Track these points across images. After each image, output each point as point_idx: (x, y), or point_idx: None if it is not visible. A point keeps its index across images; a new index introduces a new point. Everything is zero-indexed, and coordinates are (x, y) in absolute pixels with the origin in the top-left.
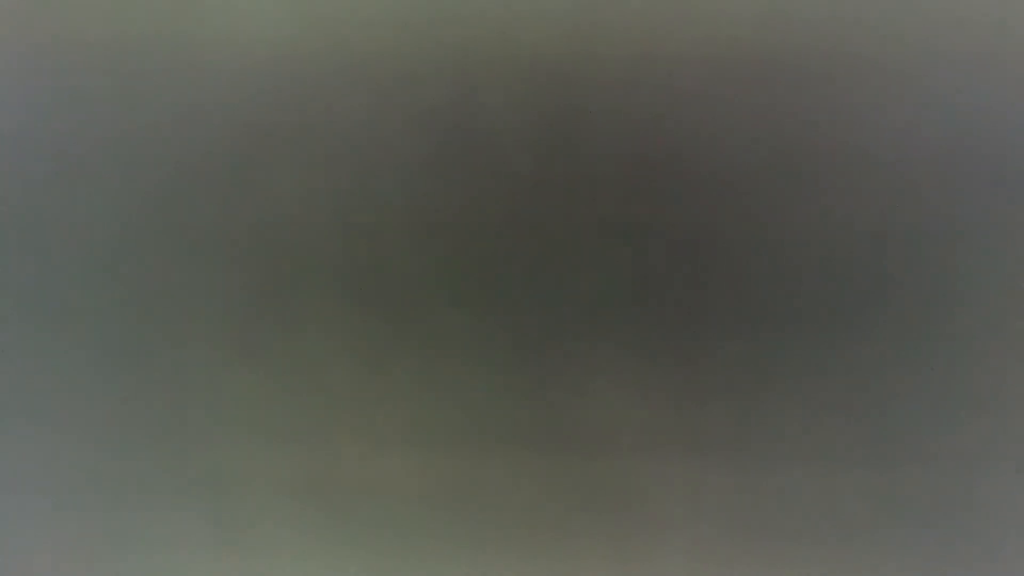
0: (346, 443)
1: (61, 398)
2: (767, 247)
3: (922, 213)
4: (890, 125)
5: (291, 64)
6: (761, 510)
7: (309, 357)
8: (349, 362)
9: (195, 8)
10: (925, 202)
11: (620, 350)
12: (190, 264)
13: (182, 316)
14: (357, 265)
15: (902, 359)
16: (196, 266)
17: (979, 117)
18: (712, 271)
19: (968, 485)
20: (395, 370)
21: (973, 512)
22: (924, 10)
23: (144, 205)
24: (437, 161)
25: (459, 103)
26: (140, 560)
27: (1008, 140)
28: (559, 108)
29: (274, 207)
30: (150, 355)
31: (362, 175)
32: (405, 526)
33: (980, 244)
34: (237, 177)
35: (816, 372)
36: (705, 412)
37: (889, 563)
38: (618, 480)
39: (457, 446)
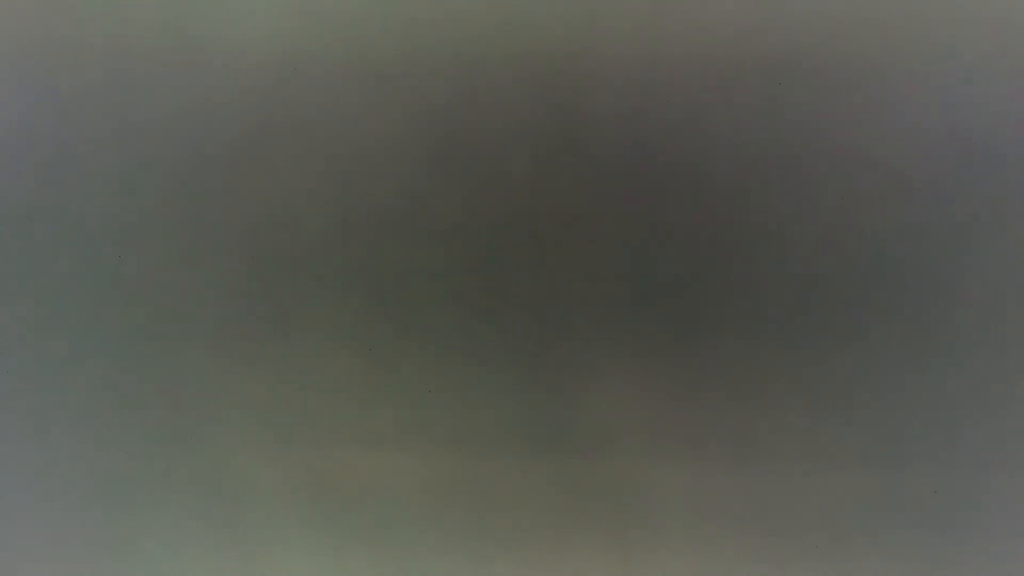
0: (346, 443)
1: (60, 398)
2: (767, 247)
3: (922, 213)
4: (890, 125)
5: (291, 63)
6: (761, 510)
7: (309, 357)
8: (349, 362)
9: (194, 7)
10: (925, 202)
11: (620, 350)
12: (189, 264)
13: (181, 315)
14: (357, 265)
15: (902, 359)
16: (195, 266)
17: (979, 117)
18: (712, 271)
19: (968, 485)
20: (395, 370)
21: (973, 512)
22: (926, 10)
23: (143, 204)
24: (437, 160)
25: (459, 103)
26: (139, 560)
27: (1008, 140)
28: (559, 108)
29: (273, 206)
30: (149, 355)
31: (361, 175)
32: (406, 526)
33: (980, 244)
34: (236, 176)
35: (816, 372)
36: (705, 412)
37: (889, 563)
38: (618, 480)
39: (457, 446)
